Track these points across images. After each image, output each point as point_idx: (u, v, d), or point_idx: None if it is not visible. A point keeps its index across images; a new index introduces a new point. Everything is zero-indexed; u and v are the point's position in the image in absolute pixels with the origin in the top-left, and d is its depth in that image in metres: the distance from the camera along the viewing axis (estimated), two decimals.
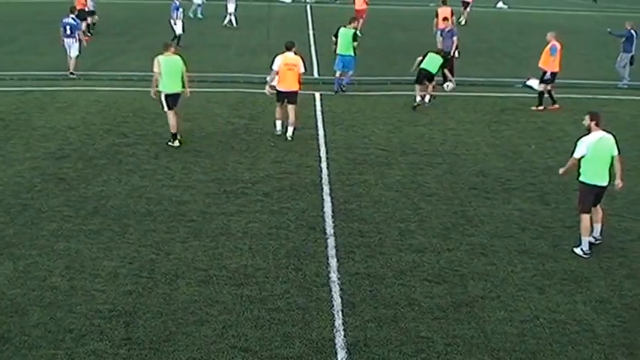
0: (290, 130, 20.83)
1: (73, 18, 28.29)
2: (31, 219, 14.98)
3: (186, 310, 11.68)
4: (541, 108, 25.01)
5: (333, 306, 11.93)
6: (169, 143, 19.86)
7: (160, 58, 19.63)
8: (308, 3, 52.60)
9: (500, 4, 55.84)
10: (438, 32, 31.37)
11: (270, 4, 47.65)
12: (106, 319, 11.36)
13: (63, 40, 28.06)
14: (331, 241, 14.31)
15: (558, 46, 25.05)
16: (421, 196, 16.76)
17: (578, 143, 14.26)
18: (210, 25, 42.70)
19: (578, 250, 14.15)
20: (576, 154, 14.21)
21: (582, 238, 14.13)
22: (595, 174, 14.15)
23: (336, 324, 11.40)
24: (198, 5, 44.85)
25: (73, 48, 27.88)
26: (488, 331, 11.33)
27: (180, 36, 34.81)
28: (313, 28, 42.13)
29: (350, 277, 12.89)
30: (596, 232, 14.52)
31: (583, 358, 10.70)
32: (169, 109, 19.75)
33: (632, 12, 49.05)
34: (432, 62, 24.73)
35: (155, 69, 19.55)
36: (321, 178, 17.72)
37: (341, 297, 12.21)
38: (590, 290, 12.69)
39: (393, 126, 22.41)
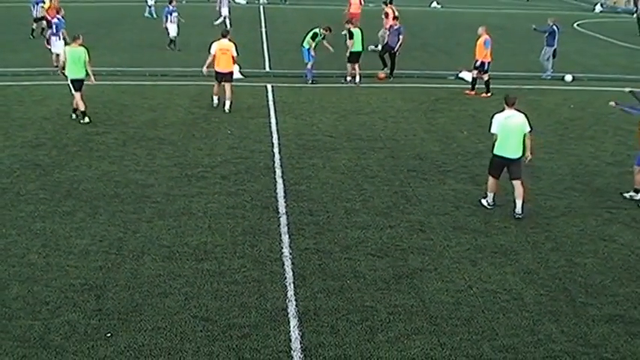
0: (227, 103, 22.28)
1: (58, 18, 27.80)
2: (10, 201, 14.80)
3: (152, 284, 11.60)
4: (473, 92, 25.42)
5: (285, 278, 11.91)
6: (81, 121, 20.60)
7: (67, 48, 20.93)
8: (261, 4, 52.26)
9: (434, 4, 55.97)
10: (385, 31, 31.37)
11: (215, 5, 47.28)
12: (78, 292, 11.29)
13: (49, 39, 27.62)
14: (283, 220, 14.28)
15: (490, 39, 25.31)
16: (365, 178, 16.77)
17: (493, 121, 14.98)
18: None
19: (483, 201, 15.34)
20: (492, 130, 14.97)
21: (488, 193, 15.24)
22: (501, 147, 14.83)
23: (289, 295, 11.39)
24: (150, 6, 43.77)
25: (57, 45, 27.42)
26: (426, 300, 11.38)
27: (175, 39, 33.29)
28: (265, 26, 41.87)
29: (300, 252, 12.88)
30: (518, 209, 14.75)
31: (513, 325, 10.80)
32: (76, 91, 20.58)
33: (552, 9, 49.58)
34: (360, 41, 26.26)
35: (61, 57, 20.93)
36: (274, 162, 17.66)
37: (292, 270, 12.20)
38: (519, 262, 12.81)
39: (338, 115, 22.37)
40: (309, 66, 26.52)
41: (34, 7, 34.74)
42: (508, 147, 14.76)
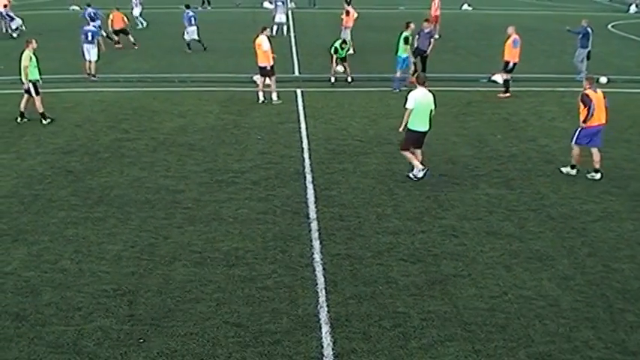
0: (274, 96, 24.30)
1: (94, 26, 28.27)
2: (42, 208, 15.03)
3: (183, 289, 11.67)
4: (508, 95, 25.24)
5: (316, 284, 11.92)
6: (43, 122, 21.44)
7: (27, 52, 21.48)
8: (289, 8, 52.39)
9: (465, 6, 55.77)
10: (346, 31, 33.05)
11: (254, 11, 47.46)
12: (110, 297, 11.41)
13: (82, 46, 28.05)
14: (314, 225, 14.30)
15: (519, 38, 25.24)
16: (396, 183, 16.75)
17: (409, 97, 16.72)
18: (201, 30, 42.45)
19: (411, 175, 16.86)
20: (408, 105, 16.67)
21: (415, 167, 16.82)
22: (418, 122, 16.73)
23: (320, 301, 11.40)
24: (136, 17, 43.57)
25: (92, 53, 27.91)
26: (460, 307, 11.33)
27: (190, 42, 34.65)
28: (294, 31, 41.96)
29: (332, 258, 12.88)
30: (419, 172, 16.79)
31: (549, 331, 10.72)
32: (37, 94, 21.46)
33: (585, 11, 49.20)
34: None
35: (25, 62, 21.31)
36: (304, 168, 17.69)
37: (324, 276, 12.20)
38: (555, 268, 12.71)
39: (368, 119, 22.37)
40: (398, 74, 26.28)
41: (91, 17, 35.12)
42: (424, 122, 16.82)
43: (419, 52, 27.58)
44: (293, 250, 13.18)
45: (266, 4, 52.34)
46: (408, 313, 11.11)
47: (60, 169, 17.40)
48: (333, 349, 10.14)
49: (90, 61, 27.88)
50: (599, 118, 17.17)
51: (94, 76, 27.74)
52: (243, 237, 13.72)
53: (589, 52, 28.52)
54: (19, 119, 21.65)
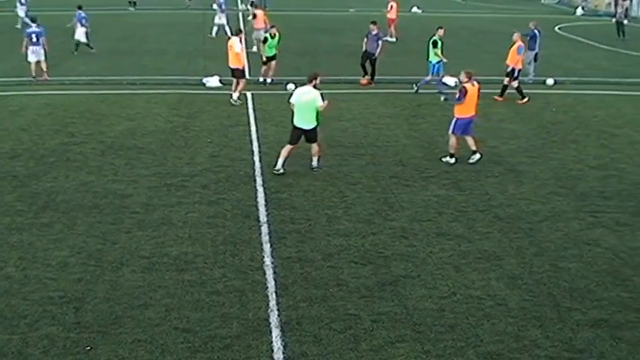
0: (235, 95, 24.41)
1: (37, 26, 27.80)
2: None
3: (132, 295, 11.55)
4: (525, 100, 25.28)
5: (267, 288, 11.89)
6: None
7: None
8: (241, 10, 52.22)
9: (414, 9, 56.15)
10: (259, 32, 33.80)
11: (204, 13, 47.20)
12: (57, 305, 11.23)
13: (27, 49, 27.56)
14: (265, 228, 14.27)
15: (523, 45, 25.46)
16: (346, 185, 16.80)
17: (293, 94, 17.56)
18: (150, 32, 42.18)
19: (275, 168, 17.27)
20: (291, 100, 17.44)
21: (279, 160, 17.30)
22: (299, 119, 17.30)
23: (271, 304, 11.38)
24: (22, 17, 42.75)
25: (39, 54, 27.53)
26: (410, 308, 11.40)
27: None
28: (245, 34, 41.83)
29: (282, 261, 12.87)
30: (314, 163, 17.61)
31: (497, 331, 10.83)
32: None
33: (533, 13, 49.78)
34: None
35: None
36: (254, 171, 17.66)
37: (274, 279, 12.18)
38: (503, 268, 12.85)
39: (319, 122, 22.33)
40: (427, 78, 26.23)
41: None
42: (304, 119, 17.24)
43: (367, 55, 27.69)
44: (243, 254, 13.14)
45: (215, 6, 52.18)
46: (359, 315, 11.14)
47: (5, 174, 17.07)
48: (283, 353, 10.12)
49: (39, 61, 27.48)
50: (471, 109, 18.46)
51: (40, 77, 27.34)
52: (192, 241, 13.63)
53: (537, 54, 28.91)
54: None
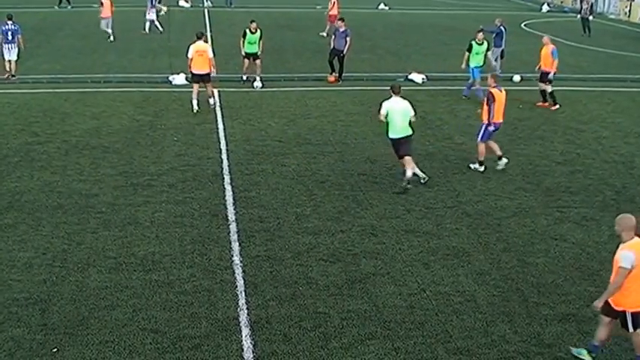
0: (211, 101, 23.57)
1: (13, 24, 27.40)
2: None
3: (98, 296, 11.50)
4: (557, 106, 24.69)
5: (236, 287, 11.89)
6: None
7: None
8: (205, 7, 51.96)
9: (381, 6, 56.25)
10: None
11: (169, 9, 46.91)
12: (22, 306, 11.14)
13: (1, 46, 27.21)
14: (233, 227, 14.25)
15: (556, 48, 25.11)
16: (315, 183, 16.82)
17: (383, 105, 16.67)
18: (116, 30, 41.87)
19: (422, 177, 16.70)
20: (381, 112, 16.61)
21: (415, 170, 16.66)
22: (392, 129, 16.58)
23: (240, 303, 11.38)
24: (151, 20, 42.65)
25: (13, 52, 27.23)
26: (379, 305, 11.46)
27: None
28: (211, 30, 41.69)
29: (251, 260, 12.87)
30: (420, 174, 16.76)
31: (466, 327, 10.92)
32: None
33: (499, 10, 50.13)
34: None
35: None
36: (222, 169, 17.61)
37: (243, 278, 12.18)
38: (471, 264, 12.96)
39: (287, 119, 22.38)
40: (477, 85, 25.64)
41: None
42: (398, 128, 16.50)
43: (335, 53, 27.69)
44: (212, 253, 13.11)
45: (182, 3, 51.93)
46: (329, 313, 11.18)
47: None
48: (253, 352, 10.13)
49: (10, 61, 27.18)
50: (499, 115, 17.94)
51: (13, 76, 27.08)
52: (160, 241, 13.58)
53: (503, 50, 29.10)
54: None
